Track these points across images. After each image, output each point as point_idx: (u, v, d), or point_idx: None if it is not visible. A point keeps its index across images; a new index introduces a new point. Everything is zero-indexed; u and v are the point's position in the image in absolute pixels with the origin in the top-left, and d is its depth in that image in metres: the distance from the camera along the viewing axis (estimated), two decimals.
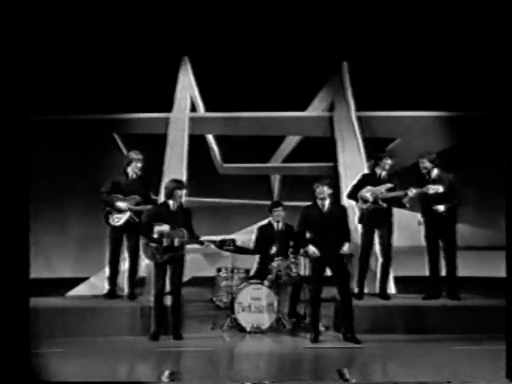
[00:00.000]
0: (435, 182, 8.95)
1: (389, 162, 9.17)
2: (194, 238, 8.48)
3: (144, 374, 7.31)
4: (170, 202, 8.47)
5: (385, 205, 9.02)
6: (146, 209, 8.87)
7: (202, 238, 8.49)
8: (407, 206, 9.00)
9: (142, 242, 8.68)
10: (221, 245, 8.54)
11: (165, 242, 8.36)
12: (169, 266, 8.44)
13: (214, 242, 8.54)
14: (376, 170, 9.23)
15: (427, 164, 9.02)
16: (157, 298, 8.42)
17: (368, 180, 9.20)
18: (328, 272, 8.35)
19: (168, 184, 8.60)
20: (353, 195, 9.23)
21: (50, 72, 10.34)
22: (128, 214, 9.04)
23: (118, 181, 9.15)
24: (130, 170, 9.14)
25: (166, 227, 8.34)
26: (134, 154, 9.19)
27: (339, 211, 8.37)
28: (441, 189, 8.82)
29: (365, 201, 9.05)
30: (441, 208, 8.87)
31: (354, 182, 9.41)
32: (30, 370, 6.32)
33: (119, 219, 9.04)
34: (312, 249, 8.21)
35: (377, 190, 9.04)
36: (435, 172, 9.03)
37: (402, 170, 10.45)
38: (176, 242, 8.36)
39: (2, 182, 6.17)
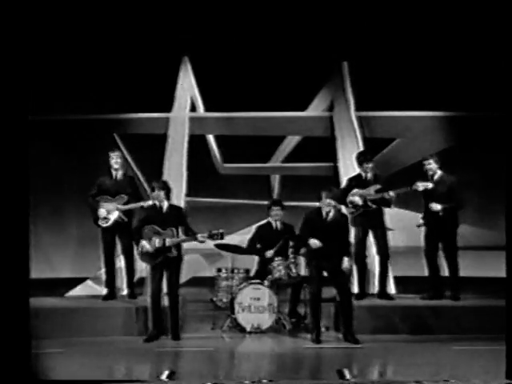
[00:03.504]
0: (438, 183, 8.95)
1: (370, 165, 9.15)
2: (192, 235, 8.45)
3: (143, 374, 7.30)
4: (157, 204, 8.48)
5: (374, 206, 9.01)
6: (135, 207, 8.91)
7: (199, 235, 8.44)
8: (392, 204, 9.00)
9: (136, 247, 8.63)
10: (210, 236, 8.46)
11: (156, 244, 8.34)
12: (165, 268, 8.42)
13: (203, 235, 8.48)
14: (361, 173, 9.22)
15: (433, 165, 9.02)
16: (153, 299, 8.39)
17: (355, 184, 9.16)
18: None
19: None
20: (342, 200, 9.19)
21: (50, 72, 10.33)
22: (116, 213, 9.04)
23: (103, 182, 9.16)
24: (112, 169, 9.16)
25: (148, 247, 8.31)
26: (110, 153, 9.22)
27: (341, 221, 8.36)
28: (430, 185, 8.82)
29: (355, 206, 9.03)
30: (437, 207, 8.88)
31: (342, 186, 9.41)
32: (30, 369, 6.32)
33: (108, 220, 9.04)
34: (313, 240, 8.19)
35: (365, 192, 9.03)
36: (438, 173, 9.03)
37: (401, 170, 10.49)
38: (167, 243, 8.34)
39: (1, 182, 6.17)
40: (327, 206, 8.29)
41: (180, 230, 8.43)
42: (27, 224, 6.27)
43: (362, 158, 9.24)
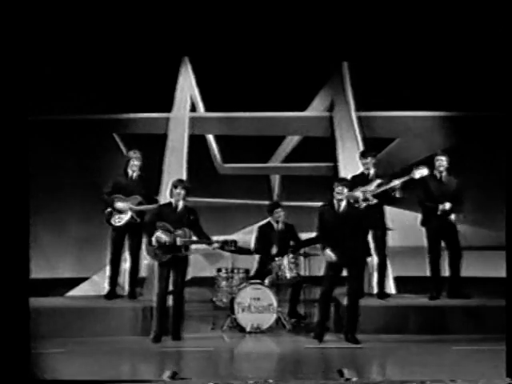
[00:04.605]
0: (445, 182, 8.99)
1: (367, 161, 9.16)
2: (205, 239, 8.48)
3: (144, 374, 7.31)
4: (173, 202, 8.47)
5: (375, 200, 8.96)
6: (148, 209, 8.90)
7: (215, 244, 8.47)
8: (398, 195, 8.97)
9: (144, 241, 8.64)
10: (222, 246, 8.51)
11: (167, 242, 8.34)
12: (172, 267, 8.42)
13: (216, 242, 8.53)
14: (363, 171, 9.22)
15: (445, 163, 9.05)
16: (160, 298, 8.37)
17: (358, 181, 9.16)
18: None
19: (170, 183, 8.63)
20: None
21: (50, 72, 10.33)
22: (129, 214, 9.03)
23: (118, 181, 9.16)
24: (129, 169, 9.15)
25: (164, 236, 8.32)
26: (132, 153, 9.21)
27: (355, 213, 8.29)
28: (425, 171, 8.82)
29: (355, 201, 9.02)
30: (452, 217, 8.89)
31: None
32: (30, 369, 6.32)
33: (121, 219, 9.04)
34: (328, 253, 8.14)
35: (366, 188, 9.02)
36: (445, 173, 9.06)
37: (401, 170, 10.48)
38: (178, 242, 8.34)
39: (1, 182, 6.17)
40: (339, 194, 8.20)
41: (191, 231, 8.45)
42: (27, 224, 6.27)
43: (360, 155, 9.28)
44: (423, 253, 9.26)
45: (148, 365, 7.61)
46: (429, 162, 9.23)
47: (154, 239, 8.31)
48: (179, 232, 8.34)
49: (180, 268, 8.43)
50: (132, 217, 9.03)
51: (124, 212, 9.03)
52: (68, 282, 10.15)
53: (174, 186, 8.47)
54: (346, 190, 8.20)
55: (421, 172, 8.83)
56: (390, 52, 10.57)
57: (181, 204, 8.46)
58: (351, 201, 8.99)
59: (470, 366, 7.26)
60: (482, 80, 10.20)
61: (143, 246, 8.78)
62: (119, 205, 9.02)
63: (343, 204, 8.22)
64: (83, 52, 10.49)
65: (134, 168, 9.13)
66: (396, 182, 8.86)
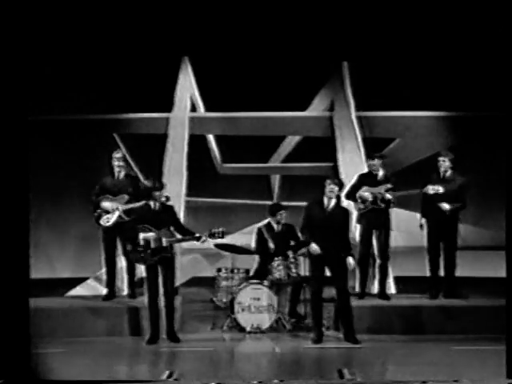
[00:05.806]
0: (448, 181, 9.01)
1: (373, 162, 9.20)
2: (189, 235, 8.44)
3: (144, 374, 7.30)
4: (151, 203, 8.40)
5: (383, 205, 9.02)
6: (136, 207, 8.88)
7: (203, 237, 8.43)
8: (393, 201, 9.01)
9: (128, 247, 8.50)
10: (210, 235, 8.42)
11: (153, 244, 8.29)
12: (160, 268, 8.34)
13: (204, 235, 8.45)
14: (372, 171, 9.24)
15: (447, 163, 9.07)
16: (151, 301, 8.32)
17: (365, 180, 9.20)
18: (327, 272, 8.34)
19: (145, 184, 8.54)
20: (351, 195, 9.23)
21: (50, 72, 10.33)
22: (117, 213, 9.00)
23: (105, 182, 9.16)
24: (114, 170, 9.16)
25: (151, 234, 8.28)
26: (114, 154, 9.23)
27: (342, 213, 8.29)
28: (441, 189, 8.87)
29: (364, 201, 9.06)
30: (446, 206, 8.91)
31: (352, 182, 9.41)
32: (30, 369, 6.33)
33: (109, 219, 9.01)
34: (314, 246, 8.16)
35: (376, 191, 9.05)
36: (450, 172, 9.08)
37: (402, 170, 10.49)
38: (164, 242, 8.30)
39: (2, 182, 6.18)
40: (330, 192, 8.21)
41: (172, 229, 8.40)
42: (27, 224, 6.28)
43: (367, 156, 9.35)
44: (423, 253, 9.27)
45: (148, 365, 7.61)
46: (432, 163, 9.27)
47: (141, 240, 8.25)
48: (163, 232, 8.30)
49: (168, 268, 8.35)
50: (120, 216, 9.00)
51: (112, 212, 9.01)
52: (68, 282, 10.15)
53: (156, 188, 8.35)
54: (336, 189, 8.21)
55: (436, 189, 8.89)
56: (390, 52, 10.56)
57: (158, 204, 8.42)
58: (359, 200, 9.05)
59: (470, 365, 7.26)
60: (482, 80, 10.19)
61: (128, 253, 8.63)
62: (106, 205, 9.01)
63: (333, 202, 8.24)
64: (83, 52, 10.48)
65: (117, 168, 9.15)
66: (403, 193, 8.92)
